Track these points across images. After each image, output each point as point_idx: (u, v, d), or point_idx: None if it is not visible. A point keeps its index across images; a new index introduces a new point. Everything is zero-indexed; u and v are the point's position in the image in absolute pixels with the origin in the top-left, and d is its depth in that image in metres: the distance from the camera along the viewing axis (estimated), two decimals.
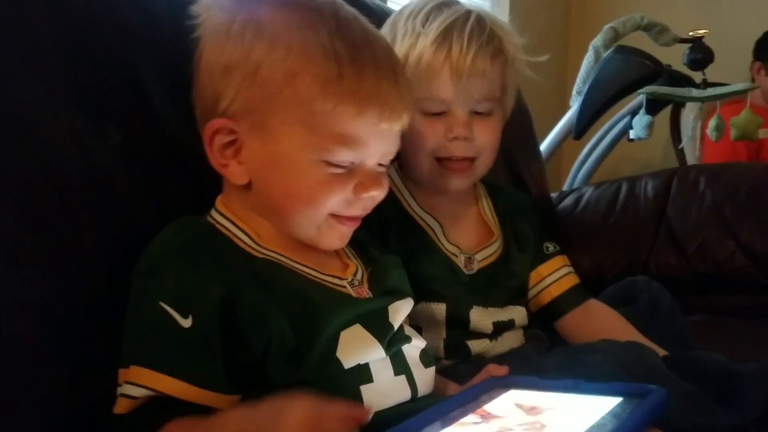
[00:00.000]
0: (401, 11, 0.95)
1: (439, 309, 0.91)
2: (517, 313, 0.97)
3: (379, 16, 0.99)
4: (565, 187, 2.40)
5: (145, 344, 0.60)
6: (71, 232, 0.63)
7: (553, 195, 1.53)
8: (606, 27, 2.18)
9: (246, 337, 0.62)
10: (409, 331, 0.76)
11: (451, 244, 0.95)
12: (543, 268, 1.03)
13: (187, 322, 0.60)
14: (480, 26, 0.90)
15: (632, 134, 2.21)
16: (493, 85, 0.91)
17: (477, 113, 0.91)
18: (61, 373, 0.60)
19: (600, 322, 1.00)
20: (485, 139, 0.92)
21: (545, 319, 1.03)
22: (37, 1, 0.65)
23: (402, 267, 0.82)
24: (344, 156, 0.66)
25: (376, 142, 0.68)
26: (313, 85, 0.64)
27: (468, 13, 0.91)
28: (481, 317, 0.92)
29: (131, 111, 0.72)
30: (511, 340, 0.95)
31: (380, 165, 0.71)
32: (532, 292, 1.03)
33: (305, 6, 0.67)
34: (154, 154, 0.73)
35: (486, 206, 1.03)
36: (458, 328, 0.91)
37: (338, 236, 0.71)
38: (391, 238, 0.91)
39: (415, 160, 0.92)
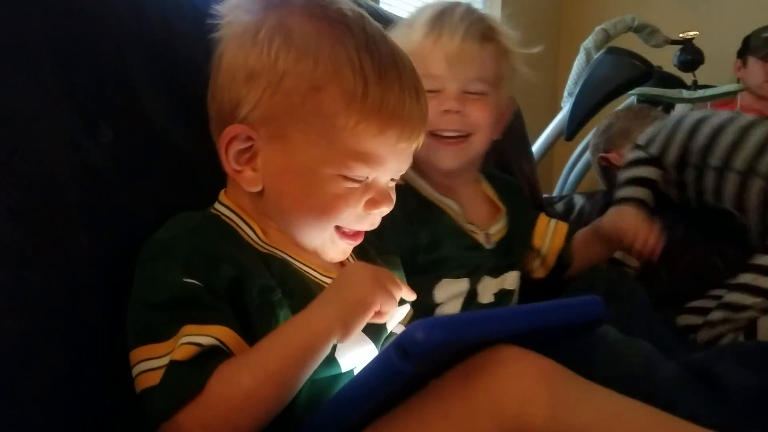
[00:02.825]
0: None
1: (461, 284, 0.94)
2: (510, 277, 1.01)
3: (372, 16, 0.99)
4: (557, 187, 2.41)
5: (180, 310, 0.58)
6: (63, 230, 0.62)
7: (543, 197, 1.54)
8: (597, 29, 2.19)
9: (252, 322, 0.61)
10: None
11: (469, 223, 1.00)
12: (538, 230, 1.13)
13: (208, 297, 0.59)
14: (468, 12, 0.95)
15: None
16: (484, 68, 0.94)
17: (470, 93, 0.95)
18: (55, 370, 0.59)
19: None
20: (478, 115, 0.95)
21: (558, 273, 1.13)
22: None
23: (400, 268, 0.82)
24: (361, 172, 0.66)
25: (392, 159, 0.68)
26: (338, 100, 0.64)
27: (455, 3, 0.96)
28: (484, 289, 0.96)
29: (123, 109, 0.72)
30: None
31: (392, 180, 0.71)
32: (540, 258, 1.13)
33: (335, 19, 0.66)
34: (145, 152, 0.73)
35: (487, 187, 1.09)
36: (470, 303, 0.95)
37: (340, 251, 0.71)
38: (414, 229, 0.93)
39: None
